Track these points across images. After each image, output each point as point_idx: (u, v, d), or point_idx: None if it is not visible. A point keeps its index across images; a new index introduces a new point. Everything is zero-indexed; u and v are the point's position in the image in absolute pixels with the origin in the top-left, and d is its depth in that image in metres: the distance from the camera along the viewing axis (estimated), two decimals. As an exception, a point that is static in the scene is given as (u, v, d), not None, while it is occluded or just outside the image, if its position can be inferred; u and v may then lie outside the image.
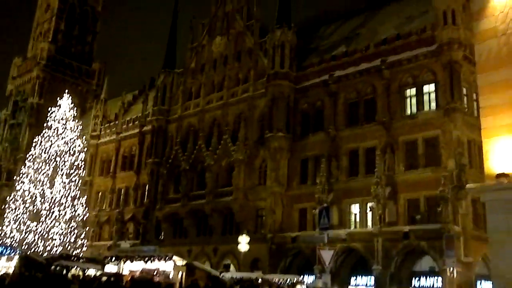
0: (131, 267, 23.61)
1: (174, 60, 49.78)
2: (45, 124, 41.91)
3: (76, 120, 42.60)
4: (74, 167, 40.14)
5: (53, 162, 39.49)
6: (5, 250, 27.48)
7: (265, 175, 37.62)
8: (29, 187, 38.79)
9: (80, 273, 24.12)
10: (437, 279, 28.19)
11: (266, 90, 39.21)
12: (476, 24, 14.74)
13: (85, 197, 43.11)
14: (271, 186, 36.22)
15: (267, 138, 37.22)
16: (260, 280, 25.79)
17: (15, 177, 47.62)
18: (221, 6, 46.83)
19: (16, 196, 39.29)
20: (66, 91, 45.02)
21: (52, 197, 38.27)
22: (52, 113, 41.83)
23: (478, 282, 27.81)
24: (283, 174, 36.51)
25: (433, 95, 31.38)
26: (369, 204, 31.26)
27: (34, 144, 41.33)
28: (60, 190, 38.70)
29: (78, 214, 39.07)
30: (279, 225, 35.49)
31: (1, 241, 36.86)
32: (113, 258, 25.03)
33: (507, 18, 13.81)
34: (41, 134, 41.22)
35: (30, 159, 40.53)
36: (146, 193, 46.41)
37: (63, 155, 39.92)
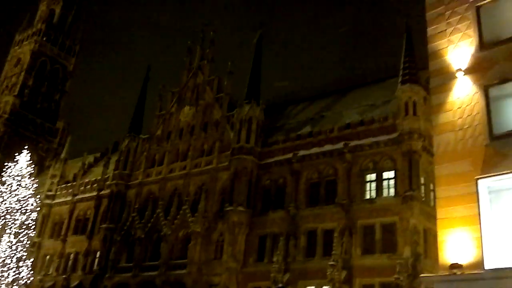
0: None
1: (141, 125, 49.84)
2: (-1, 179, 40.57)
3: (32, 178, 41.43)
4: (25, 226, 38.57)
5: (2, 220, 37.90)
6: None
7: (222, 249, 36.92)
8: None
9: None
10: None
11: (229, 164, 39.30)
12: (435, 117, 15.39)
13: (32, 259, 41.17)
14: (227, 261, 35.48)
15: (227, 211, 36.88)
16: None
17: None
18: (192, 77, 47.69)
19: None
20: (26, 147, 44.10)
21: (-3, 257, 36.39)
22: (8, 168, 40.66)
23: None
24: (240, 250, 35.91)
25: (392, 182, 31.99)
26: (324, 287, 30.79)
27: (-15, 198, 39.72)
28: (6, 250, 36.91)
29: (22, 277, 37.10)
30: (232, 303, 34.45)
31: None
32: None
33: (465, 114, 14.48)
34: (-6, 189, 39.76)
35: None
36: (97, 260, 44.72)
37: (14, 213, 38.43)
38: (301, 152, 36.78)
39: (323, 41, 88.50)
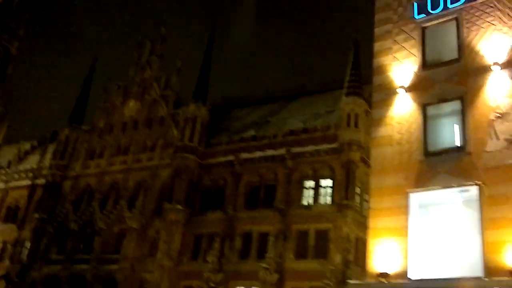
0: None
1: (83, 116, 48.61)
2: None
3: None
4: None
5: None
6: None
7: (157, 247, 36.55)
8: None
9: None
10: None
11: (171, 161, 39.03)
12: (375, 130, 15.95)
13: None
14: (161, 259, 35.17)
15: (165, 209, 36.58)
16: None
17: None
18: (140, 72, 47.01)
19: None
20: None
21: None
22: None
23: None
24: (175, 248, 35.69)
25: (329, 190, 32.77)
26: (255, 289, 31.14)
27: None
28: None
29: None
30: (163, 301, 34.18)
31: None
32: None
33: (403, 130, 15.08)
34: None
35: None
36: (26, 250, 43.23)
37: None
38: (244, 155, 37.04)
39: (273, 48, 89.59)
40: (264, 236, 32.92)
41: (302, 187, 33.94)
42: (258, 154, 36.55)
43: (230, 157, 37.48)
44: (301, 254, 31.49)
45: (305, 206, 33.07)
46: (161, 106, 43.96)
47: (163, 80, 45.30)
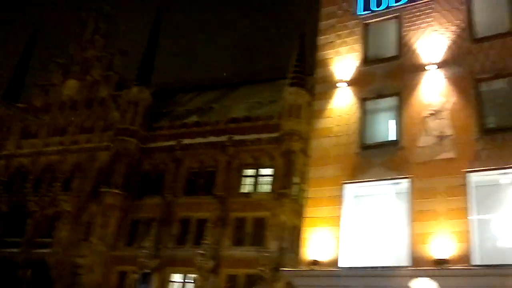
0: None
1: (19, 94, 46.68)
2: None
3: None
4: None
5: None
6: None
7: (91, 231, 35.82)
8: None
9: None
10: None
11: (110, 144, 38.22)
12: (315, 122, 16.30)
13: None
14: (95, 243, 34.49)
15: (102, 193, 35.82)
16: None
17: None
18: (82, 50, 45.60)
19: None
20: None
21: None
22: None
23: None
24: (110, 233, 35.04)
25: (268, 179, 33.08)
26: (191, 276, 31.18)
27: None
28: None
29: None
30: (95, 286, 33.57)
31: None
32: None
33: (342, 122, 15.48)
34: None
35: None
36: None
37: None
38: (185, 141, 36.78)
39: (220, 35, 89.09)
40: (202, 223, 32.92)
41: (242, 175, 34.12)
42: (200, 140, 36.38)
43: (172, 142, 37.11)
44: (238, 241, 31.74)
45: (244, 194, 33.29)
46: (102, 87, 42.86)
47: (106, 61, 44.13)
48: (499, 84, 13.93)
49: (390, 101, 15.12)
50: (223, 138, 35.20)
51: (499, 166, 12.54)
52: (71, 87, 44.19)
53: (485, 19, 14.79)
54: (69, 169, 39.77)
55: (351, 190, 14.47)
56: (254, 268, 28.70)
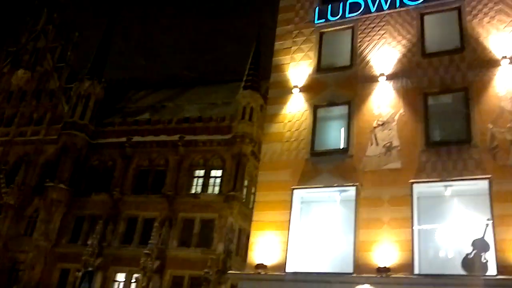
0: None
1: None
2: None
3: None
4: None
5: None
6: None
7: (34, 226, 34.76)
8: None
9: None
10: None
11: (58, 138, 37.24)
12: (267, 126, 16.36)
13: None
14: (37, 239, 33.50)
15: (46, 187, 34.86)
16: None
17: None
18: (34, 40, 44.23)
19: None
20: None
21: None
22: None
23: None
24: (54, 228, 34.15)
25: (218, 180, 33.09)
26: (135, 275, 30.73)
27: None
28: None
29: None
30: (36, 283, 32.55)
31: None
32: None
33: (293, 128, 15.61)
34: None
35: None
36: None
37: None
38: (136, 138, 36.29)
39: (178, 35, 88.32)
40: (149, 222, 32.55)
41: (192, 176, 33.98)
42: (150, 138, 36.01)
43: (122, 139, 36.54)
44: (185, 242, 31.56)
45: (193, 194, 33.15)
46: (53, 79, 41.72)
47: (58, 52, 43.00)
48: (446, 98, 14.40)
49: (341, 110, 15.35)
50: (174, 137, 34.97)
51: (443, 178, 12.93)
52: (20, 77, 42.81)
53: (435, 35, 15.24)
54: (14, 161, 38.52)
55: (300, 195, 14.59)
56: (199, 270, 28.60)
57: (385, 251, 12.60)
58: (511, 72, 13.44)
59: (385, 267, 12.34)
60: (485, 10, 14.62)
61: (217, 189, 32.82)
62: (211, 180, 33.45)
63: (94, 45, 41.88)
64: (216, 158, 33.70)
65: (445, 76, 14.26)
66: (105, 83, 39.84)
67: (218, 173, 33.32)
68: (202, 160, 34.07)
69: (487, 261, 11.66)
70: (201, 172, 33.96)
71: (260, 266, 13.89)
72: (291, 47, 17.06)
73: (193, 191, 33.41)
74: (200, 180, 33.71)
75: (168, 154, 34.92)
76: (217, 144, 33.83)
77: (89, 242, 32.19)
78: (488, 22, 14.40)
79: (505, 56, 13.60)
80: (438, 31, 15.38)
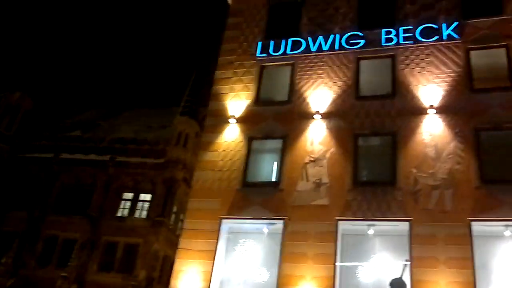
0: None
1: None
2: None
3: None
4: None
5: None
6: None
7: None
8: None
9: None
10: None
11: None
12: (201, 154, 16.32)
13: None
14: None
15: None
16: None
17: None
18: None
19: None
20: None
21: None
22: None
23: None
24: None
25: (146, 205, 32.47)
26: (50, 299, 29.29)
27: None
28: None
29: None
30: None
31: None
32: None
33: (227, 158, 15.67)
34: None
35: None
36: None
37: None
38: (64, 155, 35.09)
39: (118, 55, 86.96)
40: (70, 243, 31.27)
41: (120, 198, 33.14)
42: (80, 156, 34.92)
43: (49, 155, 35.22)
44: (106, 266, 30.51)
45: (119, 217, 32.30)
46: (-21, 87, 39.89)
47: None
48: (375, 141, 14.99)
49: (275, 143, 15.60)
50: (105, 157, 34.11)
51: (367, 217, 13.35)
52: None
53: (369, 80, 15.92)
54: None
55: (228, 225, 14.57)
56: (119, 296, 27.69)
57: (308, 286, 12.74)
58: (436, 121, 14.20)
59: (306, 301, 12.47)
60: (417, 60, 15.46)
61: (144, 213, 32.16)
62: (139, 204, 32.74)
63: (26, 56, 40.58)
64: (147, 181, 33.11)
65: (375, 120, 14.85)
66: (37, 96, 38.53)
67: (147, 197, 32.70)
68: (132, 182, 33.36)
69: (404, 300, 12.04)
70: (129, 195, 33.19)
71: (183, 295, 13.67)
72: (231, 77, 17.27)
73: (119, 214, 32.55)
74: (128, 203, 32.92)
75: (97, 174, 33.95)
76: (149, 167, 33.29)
77: (3, 260, 30.45)
78: (419, 72, 15.22)
79: (432, 106, 14.39)
80: (373, 76, 16.07)
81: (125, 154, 34.17)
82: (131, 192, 33.19)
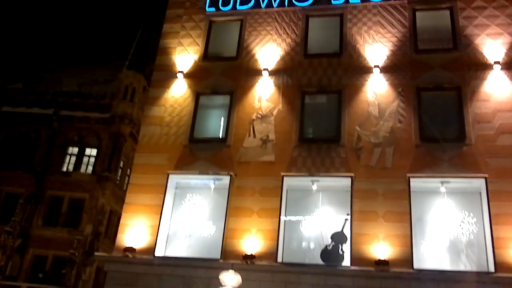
0: None
1: None
2: None
3: None
4: None
5: None
6: None
7: None
8: None
9: None
10: None
11: None
12: (148, 108, 16.12)
13: None
14: None
15: None
16: None
17: None
18: None
19: None
20: None
21: None
22: None
23: None
24: None
25: (92, 160, 32.01)
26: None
27: None
28: None
29: None
30: None
31: None
32: None
33: (174, 113, 15.55)
34: None
35: None
36: None
37: None
38: (6, 108, 33.86)
39: (63, 9, 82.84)
40: (13, 198, 30.63)
41: (65, 153, 32.49)
42: (22, 109, 33.78)
43: (-11, 107, 33.92)
44: (51, 221, 30.17)
45: (65, 172, 31.77)
46: None
47: None
48: (321, 98, 15.22)
49: (223, 99, 15.59)
50: (49, 111, 33.19)
51: (311, 173, 13.70)
52: None
53: (318, 38, 16.01)
54: None
55: (175, 180, 14.61)
56: (65, 251, 27.53)
57: (252, 240, 13.08)
58: (380, 80, 14.54)
59: (251, 254, 12.82)
60: (364, 19, 15.64)
61: (90, 168, 31.73)
62: (85, 159, 32.21)
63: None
64: (92, 136, 32.51)
65: (322, 78, 15.05)
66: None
67: (93, 152, 32.19)
68: (77, 137, 32.68)
69: (343, 252, 12.60)
70: (75, 150, 32.56)
71: (128, 249, 13.73)
72: (179, 32, 16.96)
73: (64, 169, 31.98)
74: (73, 158, 32.33)
75: (41, 128, 33.03)
76: (95, 122, 32.63)
77: None
78: (366, 31, 15.42)
79: (377, 65, 14.68)
80: (321, 34, 16.16)
81: (69, 108, 33.30)
82: (76, 147, 32.58)
